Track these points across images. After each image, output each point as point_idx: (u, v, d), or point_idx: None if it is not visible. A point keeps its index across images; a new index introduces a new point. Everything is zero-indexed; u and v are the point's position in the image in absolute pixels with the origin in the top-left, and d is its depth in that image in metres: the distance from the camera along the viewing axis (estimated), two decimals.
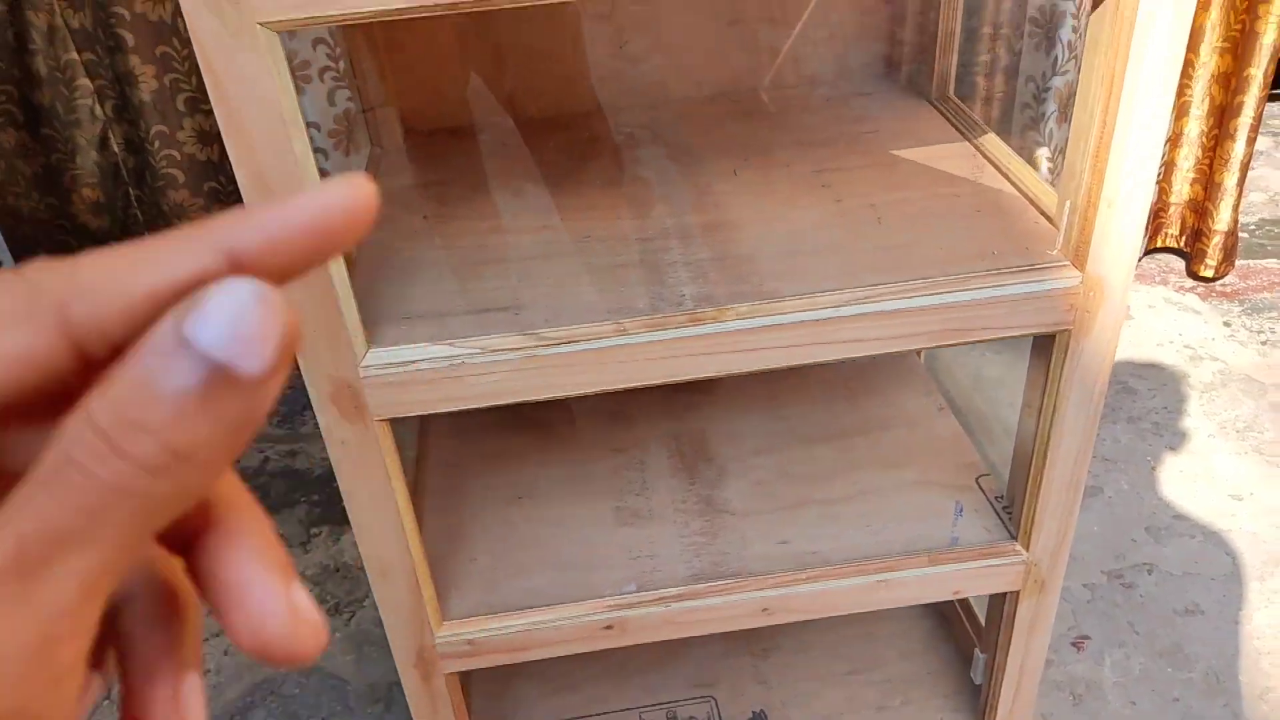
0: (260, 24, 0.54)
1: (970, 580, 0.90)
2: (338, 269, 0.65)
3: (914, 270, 0.73)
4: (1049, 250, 0.74)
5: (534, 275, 0.80)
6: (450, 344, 0.70)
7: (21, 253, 1.87)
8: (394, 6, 0.54)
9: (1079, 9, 1.65)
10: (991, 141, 0.91)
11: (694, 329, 0.71)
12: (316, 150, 1.66)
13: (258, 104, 0.56)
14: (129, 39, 1.65)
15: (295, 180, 0.59)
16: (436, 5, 0.54)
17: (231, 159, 0.59)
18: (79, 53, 1.67)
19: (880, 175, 0.89)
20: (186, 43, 1.67)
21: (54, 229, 1.83)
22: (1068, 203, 0.70)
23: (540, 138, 1.07)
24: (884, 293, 0.71)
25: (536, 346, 0.70)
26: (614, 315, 0.73)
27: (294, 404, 1.92)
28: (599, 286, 0.77)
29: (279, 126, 0.57)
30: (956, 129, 0.96)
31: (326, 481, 1.70)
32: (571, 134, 1.07)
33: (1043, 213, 0.79)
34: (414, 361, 0.69)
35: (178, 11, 1.65)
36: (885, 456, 1.01)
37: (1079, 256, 0.70)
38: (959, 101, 1.01)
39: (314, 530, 1.59)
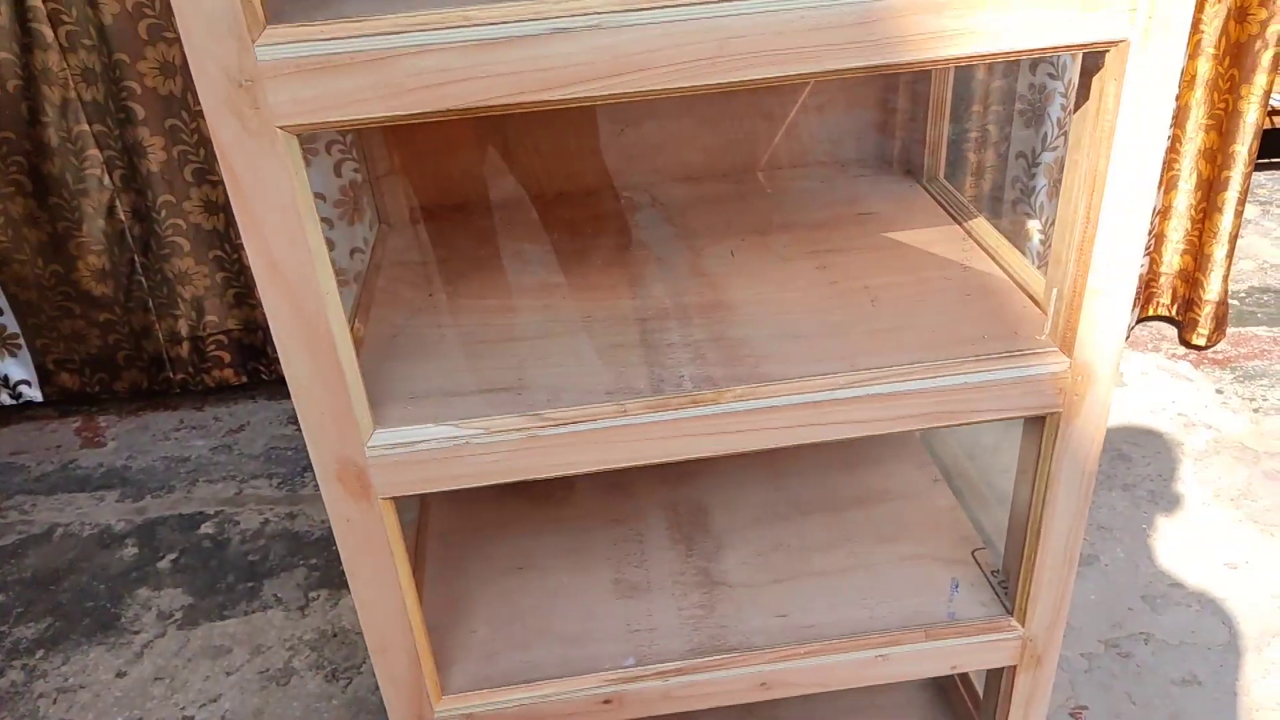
0: (280, 127, 0.56)
1: (967, 655, 0.90)
2: (346, 350, 0.67)
3: (906, 354, 0.75)
4: (1037, 335, 0.76)
5: (537, 355, 0.82)
6: (454, 424, 0.72)
7: (25, 317, 1.89)
8: (408, 112, 0.56)
9: (1068, 89, 1.70)
10: (981, 226, 0.94)
11: (693, 410, 0.73)
12: (322, 220, 1.70)
13: (275, 201, 0.58)
14: (139, 112, 1.70)
15: (309, 270, 0.62)
16: (447, 111, 0.57)
17: (247, 250, 0.61)
18: (90, 124, 1.71)
19: (874, 258, 0.92)
20: (195, 116, 1.71)
21: (58, 294, 1.85)
22: (1055, 290, 0.73)
23: (544, 215, 1.10)
24: (877, 376, 0.73)
25: (539, 427, 0.72)
26: (614, 396, 0.75)
27: (294, 466, 1.93)
28: (600, 367, 0.79)
29: (295, 222, 0.59)
30: (947, 212, 0.99)
31: (325, 545, 1.70)
32: (574, 212, 1.10)
33: (1031, 297, 0.82)
34: (419, 442, 0.71)
35: (187, 87, 1.70)
36: (881, 529, 1.02)
37: (1066, 342, 0.72)
38: (949, 185, 1.04)
39: (312, 594, 1.59)
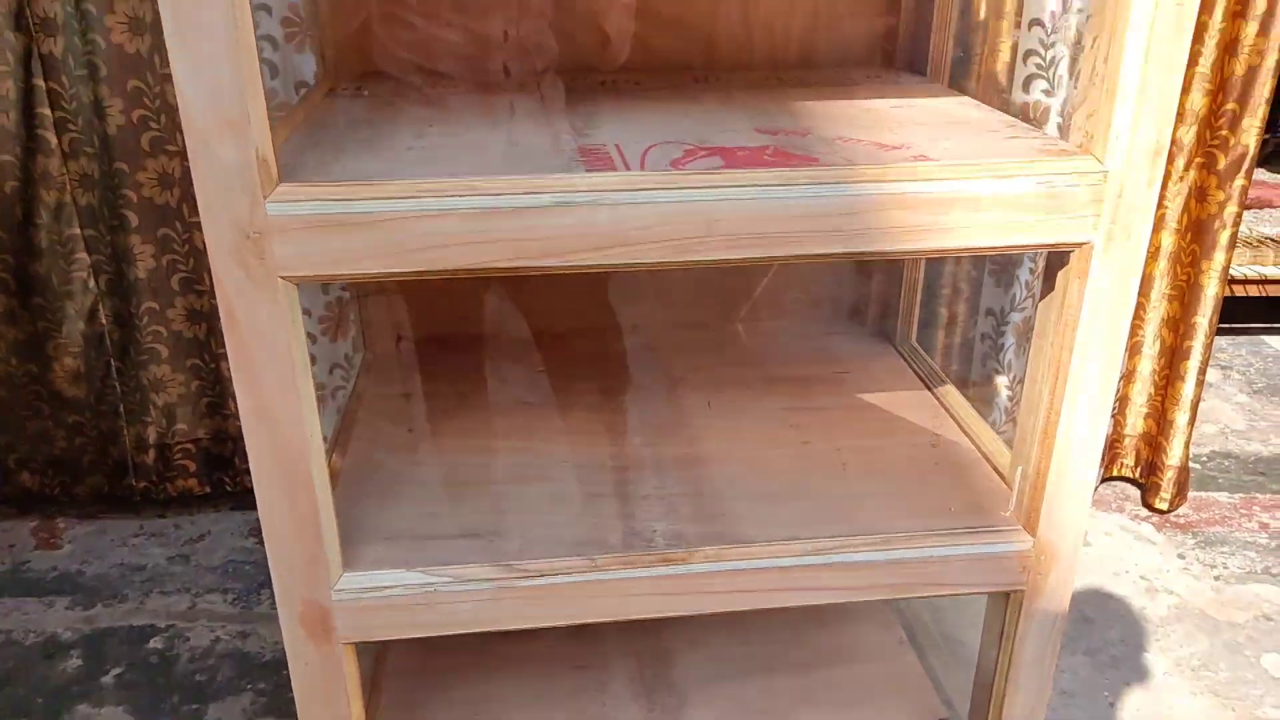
0: (283, 278, 0.58)
1: None
2: (324, 495, 0.68)
3: (875, 523, 0.77)
4: (1002, 511, 0.78)
5: (511, 500, 0.83)
6: (424, 571, 0.72)
7: None
8: (408, 270, 0.59)
9: (1036, 255, 1.77)
10: (951, 394, 0.97)
11: (664, 569, 0.73)
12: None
13: (271, 348, 0.60)
14: (133, 219, 1.72)
15: (296, 415, 0.63)
16: (446, 271, 0.59)
17: (237, 392, 0.62)
18: (82, 229, 1.73)
19: (846, 419, 0.94)
20: (189, 226, 1.74)
21: (29, 394, 1.84)
22: (1019, 469, 0.75)
23: (527, 351, 1.12)
24: (845, 545, 0.74)
25: (509, 578, 0.72)
26: (587, 549, 0.75)
27: (251, 581, 1.89)
28: (575, 516, 0.80)
29: (288, 369, 0.60)
30: (918, 376, 1.02)
31: (277, 667, 1.65)
32: (558, 350, 1.12)
33: (997, 470, 0.84)
34: (387, 588, 0.71)
35: (184, 198, 1.73)
36: (846, 693, 1.01)
37: (1030, 521, 0.74)
38: (920, 349, 1.08)
39: None
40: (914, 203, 0.60)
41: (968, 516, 0.77)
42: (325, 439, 0.76)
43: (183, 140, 1.60)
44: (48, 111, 1.65)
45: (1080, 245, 0.64)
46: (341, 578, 0.71)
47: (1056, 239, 0.63)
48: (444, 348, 1.13)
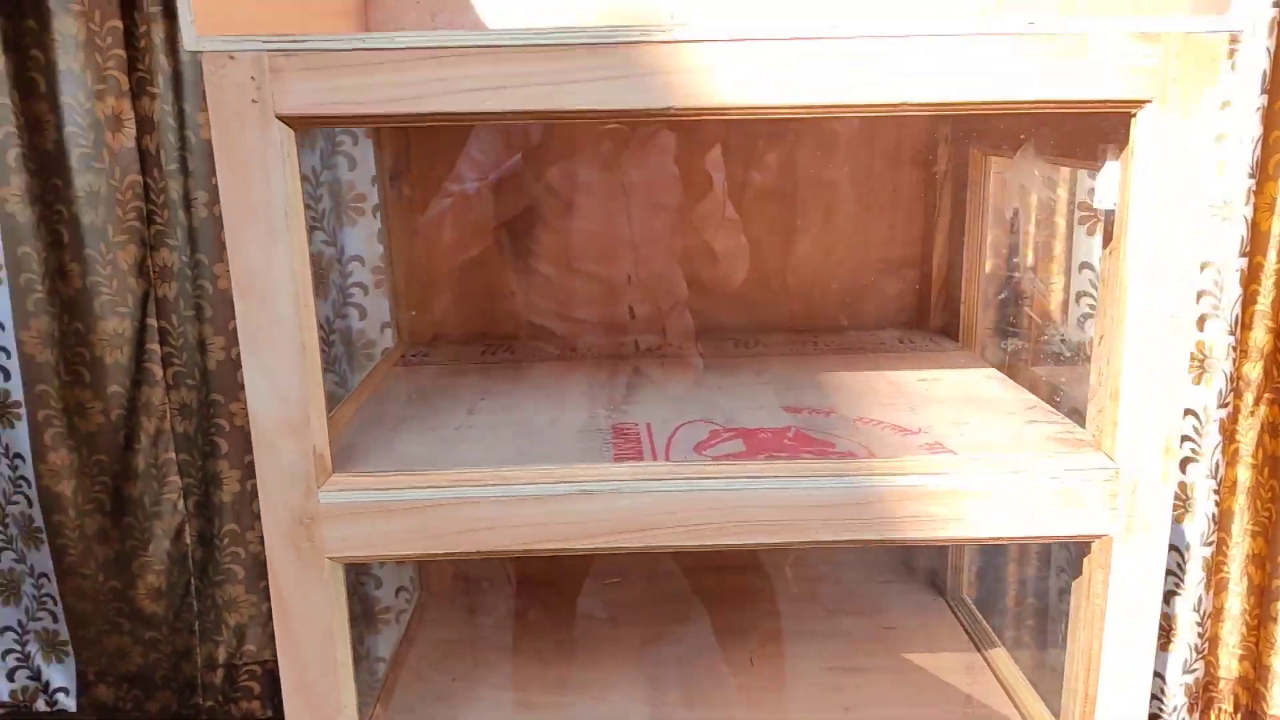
0: (330, 558, 0.63)
1: None
2: None
3: None
4: None
5: None
6: None
7: (76, 627, 1.94)
8: (443, 552, 0.63)
9: None
10: (1001, 658, 0.95)
11: None
12: None
13: (314, 621, 0.63)
14: (223, 445, 1.83)
15: (333, 684, 0.65)
16: (478, 553, 0.63)
17: (278, 653, 0.66)
18: (177, 453, 1.84)
19: (892, 683, 0.92)
20: None
21: (112, 609, 1.91)
22: None
23: (578, 594, 1.14)
24: None
25: None
26: None
27: None
28: None
29: (328, 641, 0.64)
30: (969, 636, 1.01)
31: None
32: (608, 595, 1.13)
33: None
34: None
35: None
36: None
37: None
38: (973, 605, 1.06)
39: None
40: (926, 495, 0.63)
41: None
42: (378, 676, 0.79)
43: None
44: (157, 347, 1.79)
45: (1099, 537, 0.64)
46: None
47: (1072, 531, 0.64)
48: (494, 589, 1.16)
